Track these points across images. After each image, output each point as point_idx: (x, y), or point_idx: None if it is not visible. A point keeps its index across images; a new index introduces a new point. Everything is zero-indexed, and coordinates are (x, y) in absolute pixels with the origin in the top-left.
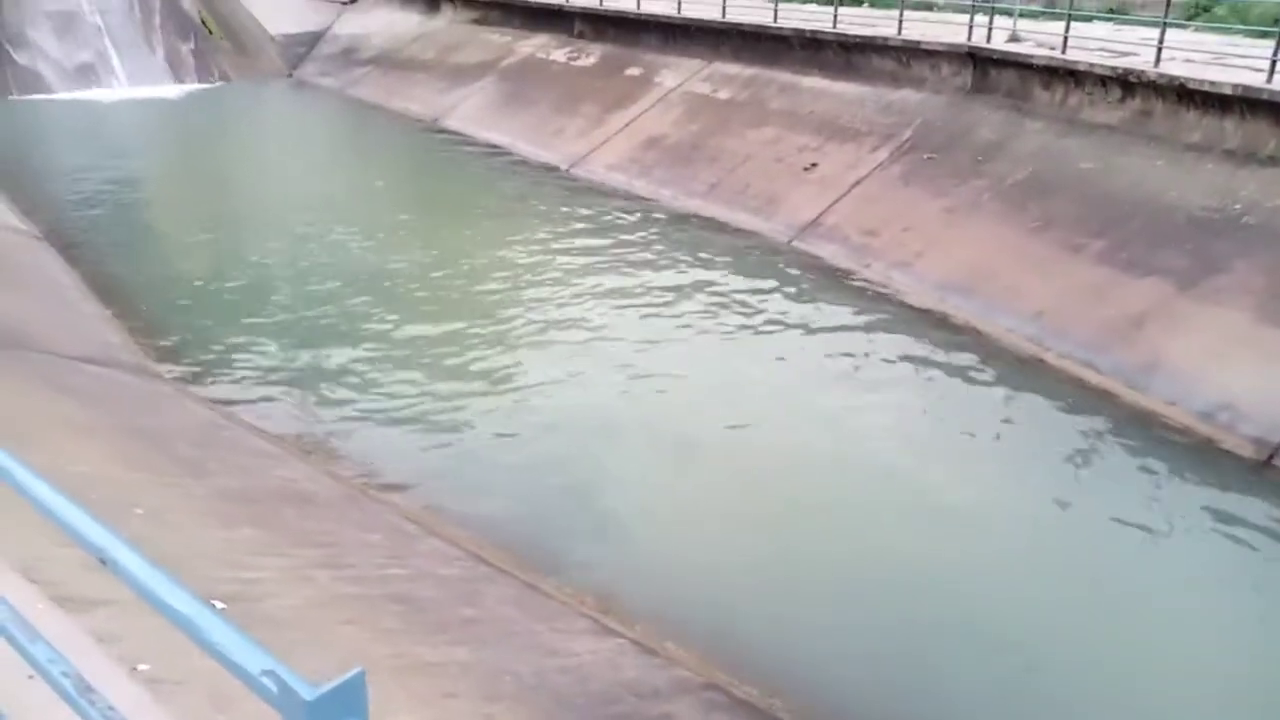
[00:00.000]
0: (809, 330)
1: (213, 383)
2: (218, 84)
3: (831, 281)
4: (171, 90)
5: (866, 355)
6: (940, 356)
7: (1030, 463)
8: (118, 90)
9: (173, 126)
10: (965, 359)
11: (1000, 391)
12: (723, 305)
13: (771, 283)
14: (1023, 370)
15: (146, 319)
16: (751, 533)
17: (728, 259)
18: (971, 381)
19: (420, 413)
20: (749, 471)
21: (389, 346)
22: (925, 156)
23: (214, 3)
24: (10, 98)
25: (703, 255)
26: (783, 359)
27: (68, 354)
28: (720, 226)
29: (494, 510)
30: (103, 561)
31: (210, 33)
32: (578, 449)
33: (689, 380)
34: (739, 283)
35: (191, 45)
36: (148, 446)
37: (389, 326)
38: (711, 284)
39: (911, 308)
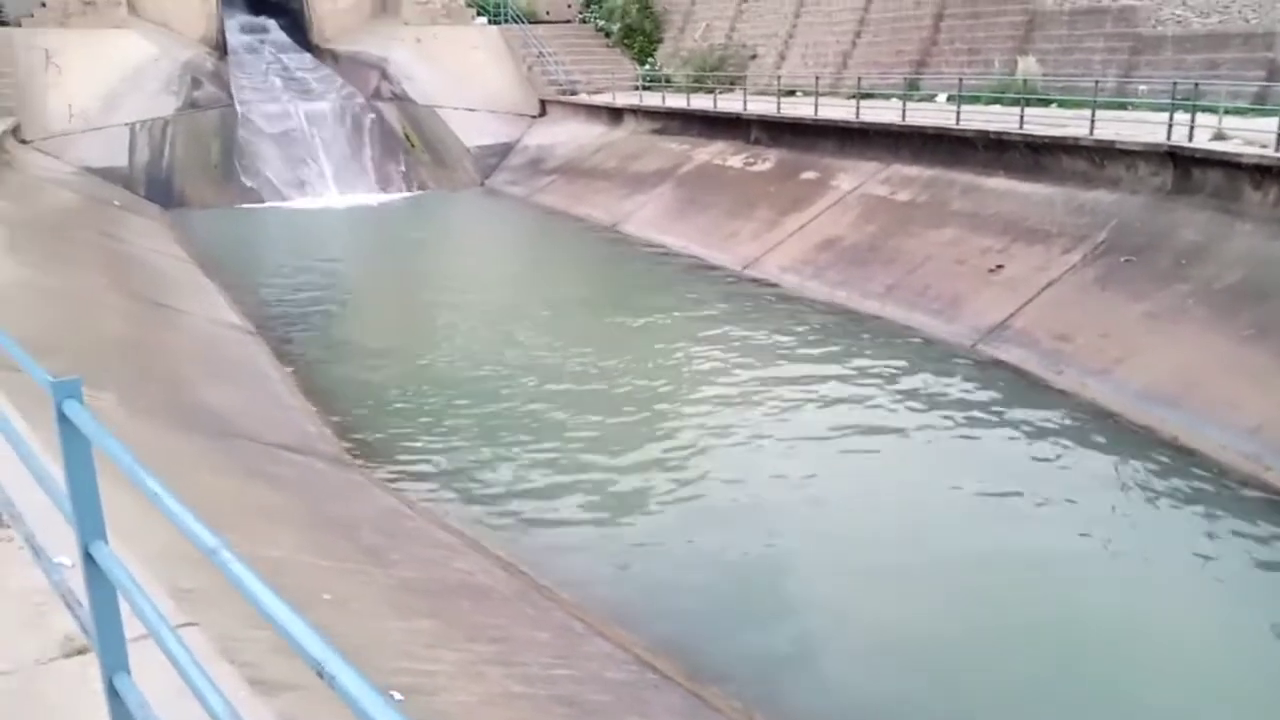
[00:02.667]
0: (999, 439)
1: (399, 473)
2: (417, 193)
3: (1021, 388)
4: (377, 199)
5: (1064, 468)
6: (1146, 472)
7: (1264, 599)
8: (329, 199)
9: (376, 232)
10: (1175, 476)
11: (1218, 514)
12: (904, 410)
13: (956, 388)
14: (1241, 491)
15: (342, 410)
16: (936, 658)
17: (908, 362)
18: (1184, 503)
19: (593, 510)
20: (935, 590)
21: (567, 444)
22: (1122, 259)
23: (417, 119)
24: (236, 206)
25: (881, 357)
26: (971, 469)
27: (269, 441)
28: (898, 328)
29: (663, 613)
30: (320, 674)
31: (413, 146)
32: (752, 555)
33: (870, 487)
34: (920, 387)
35: (395, 158)
36: (336, 534)
37: (568, 425)
38: (892, 388)
39: (1111, 418)
